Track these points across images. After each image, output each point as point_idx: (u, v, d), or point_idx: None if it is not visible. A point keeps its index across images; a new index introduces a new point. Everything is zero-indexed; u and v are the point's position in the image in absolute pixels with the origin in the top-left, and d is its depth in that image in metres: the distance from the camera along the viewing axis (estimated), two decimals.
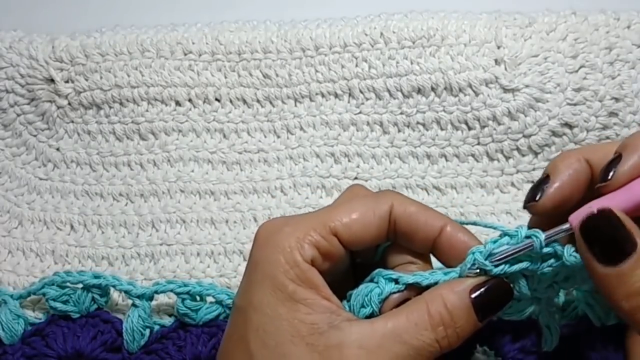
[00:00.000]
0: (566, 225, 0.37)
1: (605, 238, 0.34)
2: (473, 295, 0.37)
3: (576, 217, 0.36)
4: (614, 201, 0.36)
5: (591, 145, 0.40)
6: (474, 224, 0.43)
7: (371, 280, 0.40)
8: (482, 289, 0.37)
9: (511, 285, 0.38)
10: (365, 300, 0.39)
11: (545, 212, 0.38)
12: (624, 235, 0.34)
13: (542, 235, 0.37)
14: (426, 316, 0.37)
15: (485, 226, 0.42)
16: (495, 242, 0.38)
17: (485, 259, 0.38)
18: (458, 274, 0.38)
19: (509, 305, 0.38)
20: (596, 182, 0.37)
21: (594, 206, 0.36)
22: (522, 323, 0.42)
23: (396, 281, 0.39)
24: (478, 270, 0.38)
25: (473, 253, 0.38)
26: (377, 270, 0.40)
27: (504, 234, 0.38)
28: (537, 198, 0.38)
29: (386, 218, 0.40)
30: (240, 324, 0.38)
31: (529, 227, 0.39)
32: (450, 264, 0.40)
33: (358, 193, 0.42)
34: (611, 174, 0.36)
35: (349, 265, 0.42)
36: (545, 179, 0.38)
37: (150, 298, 0.49)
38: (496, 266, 0.38)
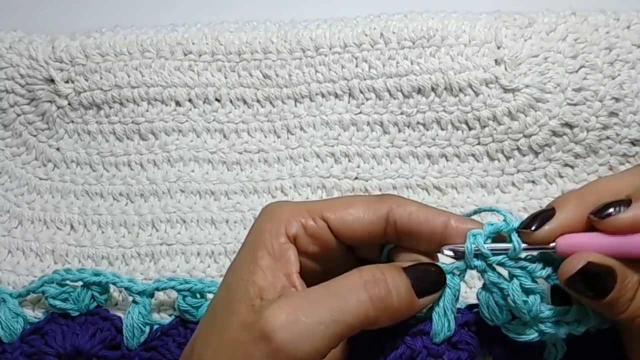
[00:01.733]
0: (552, 245, 0.38)
1: (591, 285, 0.37)
2: (407, 273, 0.39)
3: (563, 246, 0.37)
4: (600, 243, 0.37)
5: (600, 184, 0.39)
6: (475, 212, 0.43)
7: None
8: (416, 269, 0.40)
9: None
10: None
11: (536, 243, 0.39)
12: (608, 279, 0.36)
13: (521, 245, 0.38)
14: (356, 272, 0.38)
15: (486, 211, 0.43)
16: (492, 224, 0.39)
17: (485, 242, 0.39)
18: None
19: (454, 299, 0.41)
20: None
21: (582, 241, 0.37)
22: None
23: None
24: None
25: (474, 235, 0.39)
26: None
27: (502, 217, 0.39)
28: (534, 228, 0.38)
29: (383, 218, 0.40)
30: (222, 282, 0.41)
31: None
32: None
33: (361, 195, 0.43)
34: (611, 212, 0.37)
35: (351, 262, 0.42)
36: (550, 212, 0.38)
37: (151, 295, 0.49)
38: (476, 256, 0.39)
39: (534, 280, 0.39)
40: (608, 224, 0.36)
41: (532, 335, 0.40)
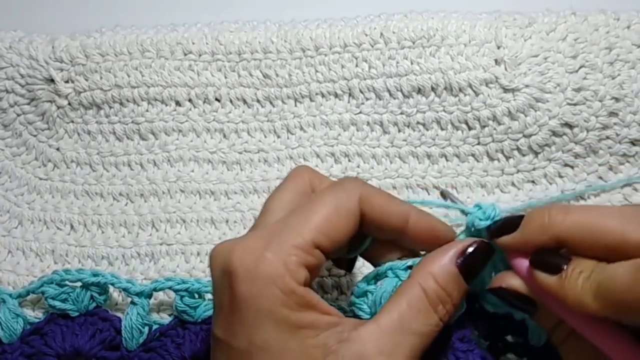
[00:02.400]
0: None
1: (514, 304, 0.40)
2: (459, 262, 0.39)
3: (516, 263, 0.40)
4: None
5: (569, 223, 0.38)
6: (424, 203, 0.46)
7: (385, 276, 0.41)
8: (466, 254, 0.39)
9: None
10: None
11: (499, 246, 0.40)
12: (525, 300, 0.39)
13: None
14: (425, 300, 0.38)
15: (438, 206, 0.46)
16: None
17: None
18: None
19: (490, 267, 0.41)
20: None
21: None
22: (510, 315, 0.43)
23: (412, 267, 0.40)
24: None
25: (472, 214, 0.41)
26: (387, 265, 0.41)
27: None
28: (499, 235, 0.40)
29: (357, 214, 0.39)
30: None
31: None
32: (422, 249, 0.42)
33: (305, 177, 0.41)
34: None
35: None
36: (517, 223, 0.39)
37: (149, 295, 0.49)
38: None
39: None
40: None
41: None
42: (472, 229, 0.41)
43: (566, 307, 0.36)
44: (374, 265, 0.43)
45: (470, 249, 0.40)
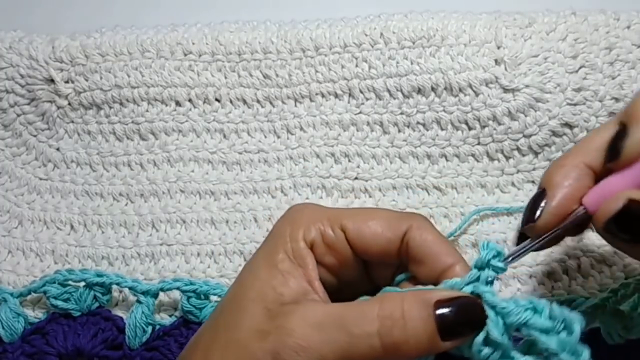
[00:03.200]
0: (581, 211, 0.35)
1: (633, 224, 0.34)
2: (438, 310, 0.34)
3: (592, 202, 0.35)
4: (626, 180, 0.34)
5: (583, 142, 0.37)
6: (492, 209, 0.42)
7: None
8: (450, 305, 0.34)
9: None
10: None
11: (546, 231, 0.36)
12: None
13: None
14: (377, 306, 0.35)
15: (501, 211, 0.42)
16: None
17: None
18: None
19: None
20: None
21: (608, 188, 0.34)
22: None
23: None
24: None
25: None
26: (383, 289, 0.39)
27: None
28: (536, 217, 0.36)
29: (400, 236, 0.39)
30: (235, 281, 0.40)
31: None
32: None
33: (385, 209, 0.43)
34: (621, 145, 0.35)
35: (366, 280, 0.41)
36: (541, 194, 0.36)
37: (155, 295, 0.49)
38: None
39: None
40: (625, 159, 0.34)
41: None
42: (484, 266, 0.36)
43: None
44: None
45: (457, 302, 0.35)
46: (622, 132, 0.35)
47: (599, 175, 0.36)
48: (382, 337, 0.34)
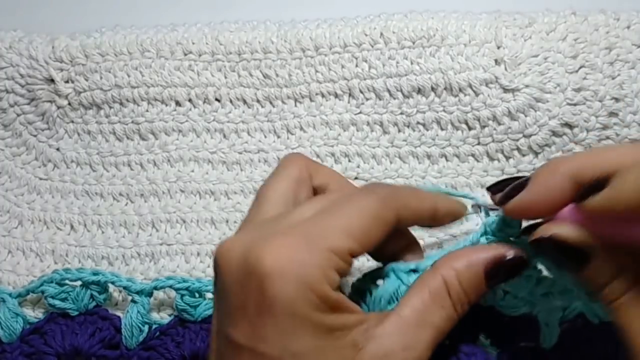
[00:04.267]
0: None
1: (560, 257, 0.36)
2: (488, 269, 0.37)
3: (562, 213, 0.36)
4: (578, 218, 0.35)
5: (584, 156, 0.37)
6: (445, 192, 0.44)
7: (386, 276, 0.39)
8: (499, 266, 0.37)
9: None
10: (393, 297, 0.38)
11: (510, 215, 0.38)
12: (575, 251, 0.35)
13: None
14: (447, 297, 0.36)
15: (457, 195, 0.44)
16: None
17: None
18: (471, 242, 0.39)
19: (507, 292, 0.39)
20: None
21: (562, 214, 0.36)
22: (522, 318, 0.42)
23: (415, 270, 0.39)
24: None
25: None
26: (390, 266, 0.39)
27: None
28: (508, 200, 0.37)
29: (392, 224, 0.38)
30: None
31: None
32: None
33: (301, 165, 0.40)
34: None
35: None
36: (524, 183, 0.37)
37: (150, 294, 0.49)
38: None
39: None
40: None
41: (523, 309, 0.40)
42: (490, 230, 0.40)
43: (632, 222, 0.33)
44: (373, 257, 0.42)
45: (508, 258, 0.37)
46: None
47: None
48: (458, 313, 0.37)
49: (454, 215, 0.41)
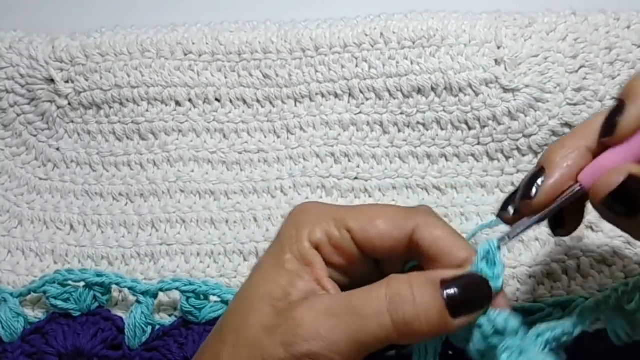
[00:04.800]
0: (577, 187, 0.35)
1: (633, 198, 0.34)
2: (445, 289, 0.35)
3: (587, 177, 0.35)
4: (621, 155, 0.35)
5: (584, 125, 0.37)
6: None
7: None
8: (456, 284, 0.35)
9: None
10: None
11: (541, 209, 0.36)
12: None
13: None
14: (384, 287, 0.36)
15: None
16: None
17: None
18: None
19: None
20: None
21: (603, 164, 0.35)
22: None
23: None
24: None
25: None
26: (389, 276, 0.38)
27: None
28: (533, 195, 0.36)
29: (407, 235, 0.38)
30: (244, 282, 0.40)
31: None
32: None
33: (392, 205, 0.42)
34: (617, 120, 0.35)
35: (377, 275, 0.40)
36: (539, 172, 0.36)
37: (155, 295, 0.49)
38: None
39: None
40: (619, 135, 0.35)
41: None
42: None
43: None
44: None
45: (463, 280, 0.36)
46: (618, 109, 0.35)
47: (596, 156, 0.37)
48: (392, 314, 0.35)
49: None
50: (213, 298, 0.50)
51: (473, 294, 0.36)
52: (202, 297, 0.49)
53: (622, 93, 0.36)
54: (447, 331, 0.36)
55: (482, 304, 0.36)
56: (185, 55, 0.56)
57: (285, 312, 0.36)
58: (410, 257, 0.40)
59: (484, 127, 0.53)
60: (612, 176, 0.34)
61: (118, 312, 0.50)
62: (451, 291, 0.35)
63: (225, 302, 0.49)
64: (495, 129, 0.53)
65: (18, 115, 0.57)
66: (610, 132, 0.35)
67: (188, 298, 0.49)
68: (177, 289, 0.49)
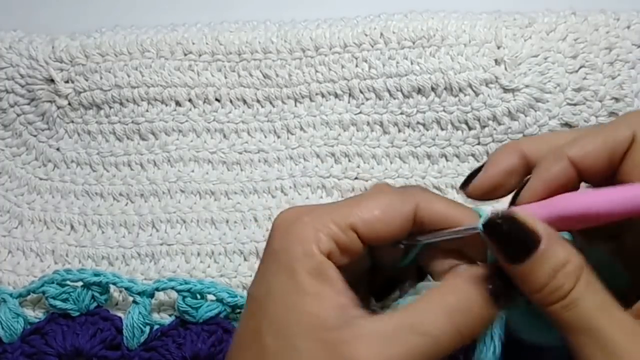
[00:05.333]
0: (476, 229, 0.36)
1: (508, 238, 0.34)
2: (490, 285, 0.36)
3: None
4: (531, 209, 0.35)
5: (535, 138, 0.39)
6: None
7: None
8: (497, 278, 0.36)
9: None
10: None
11: (473, 198, 0.38)
12: (526, 235, 0.34)
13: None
14: (438, 300, 0.36)
15: None
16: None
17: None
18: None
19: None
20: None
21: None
22: None
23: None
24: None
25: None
26: (421, 284, 0.39)
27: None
28: (469, 184, 0.38)
29: (410, 218, 0.38)
30: (255, 314, 0.37)
31: None
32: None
33: (382, 189, 0.40)
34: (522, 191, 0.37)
35: (368, 266, 0.40)
36: (482, 167, 0.38)
37: (151, 295, 0.49)
38: None
39: None
40: (522, 200, 0.36)
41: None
42: None
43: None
44: (429, 273, 0.40)
45: (496, 272, 0.36)
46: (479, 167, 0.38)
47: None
48: (457, 326, 0.35)
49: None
50: (210, 297, 0.50)
51: (510, 282, 0.36)
52: (198, 296, 0.49)
53: (541, 156, 0.37)
54: (493, 319, 0.36)
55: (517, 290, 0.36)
56: (185, 55, 0.56)
57: (338, 346, 0.34)
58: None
59: (484, 127, 0.53)
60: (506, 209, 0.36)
61: (117, 312, 0.50)
62: (495, 287, 0.36)
63: (221, 300, 0.49)
64: (495, 129, 0.53)
65: (18, 115, 0.57)
66: (516, 195, 0.37)
67: (184, 297, 0.49)
68: (172, 288, 0.49)
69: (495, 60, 0.53)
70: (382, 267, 0.41)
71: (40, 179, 0.56)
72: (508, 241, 0.34)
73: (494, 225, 0.34)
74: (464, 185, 0.39)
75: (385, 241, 0.38)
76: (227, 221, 0.54)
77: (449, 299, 0.35)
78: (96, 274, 0.49)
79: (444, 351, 0.35)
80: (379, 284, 0.42)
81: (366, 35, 0.54)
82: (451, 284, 0.37)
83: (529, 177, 0.37)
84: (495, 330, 0.37)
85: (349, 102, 0.55)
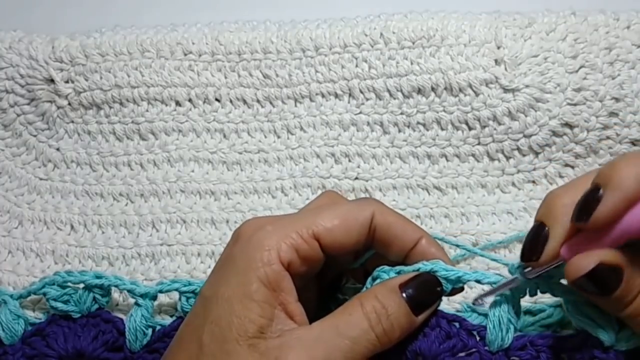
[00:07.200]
0: (560, 261, 0.37)
1: (602, 283, 0.35)
2: (403, 292, 0.39)
3: (567, 253, 0.36)
4: (601, 236, 0.36)
5: (581, 180, 0.38)
6: (457, 245, 0.47)
7: (376, 278, 0.41)
8: (411, 285, 0.39)
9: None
10: None
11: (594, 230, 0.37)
12: (614, 278, 0.35)
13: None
14: (359, 307, 0.38)
15: (465, 249, 0.48)
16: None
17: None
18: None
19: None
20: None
21: (582, 242, 0.36)
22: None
23: (399, 273, 0.41)
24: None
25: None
26: (379, 268, 0.41)
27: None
28: (537, 257, 0.37)
29: (367, 225, 0.40)
30: (200, 313, 0.39)
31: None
32: None
33: (335, 200, 0.43)
34: (591, 214, 0.35)
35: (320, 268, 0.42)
36: (540, 228, 0.37)
37: (154, 297, 0.49)
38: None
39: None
40: (593, 225, 0.35)
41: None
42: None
43: None
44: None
45: (416, 280, 0.40)
46: (594, 195, 0.35)
47: None
48: (374, 330, 0.37)
49: (425, 257, 0.41)
50: None
51: (426, 290, 0.40)
52: None
53: (599, 177, 0.36)
54: (415, 327, 0.39)
55: (436, 296, 0.40)
56: (185, 55, 0.56)
57: (267, 351, 0.36)
58: (366, 247, 0.42)
59: (485, 127, 0.53)
60: (584, 260, 0.35)
61: (119, 314, 0.50)
62: (409, 292, 0.39)
63: None
64: (495, 129, 0.53)
65: (18, 115, 0.57)
66: (583, 219, 0.36)
67: (188, 298, 0.49)
68: (176, 289, 0.49)
69: (495, 60, 0.53)
70: (332, 267, 0.43)
71: (40, 179, 0.56)
72: (600, 283, 0.36)
73: (593, 274, 0.35)
74: (529, 259, 0.38)
75: (344, 249, 0.40)
76: (228, 221, 0.54)
77: (370, 304, 0.38)
78: (98, 276, 0.49)
79: (364, 352, 0.37)
80: (330, 279, 0.45)
81: (366, 35, 0.54)
82: (375, 290, 0.39)
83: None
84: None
85: (349, 102, 0.55)
